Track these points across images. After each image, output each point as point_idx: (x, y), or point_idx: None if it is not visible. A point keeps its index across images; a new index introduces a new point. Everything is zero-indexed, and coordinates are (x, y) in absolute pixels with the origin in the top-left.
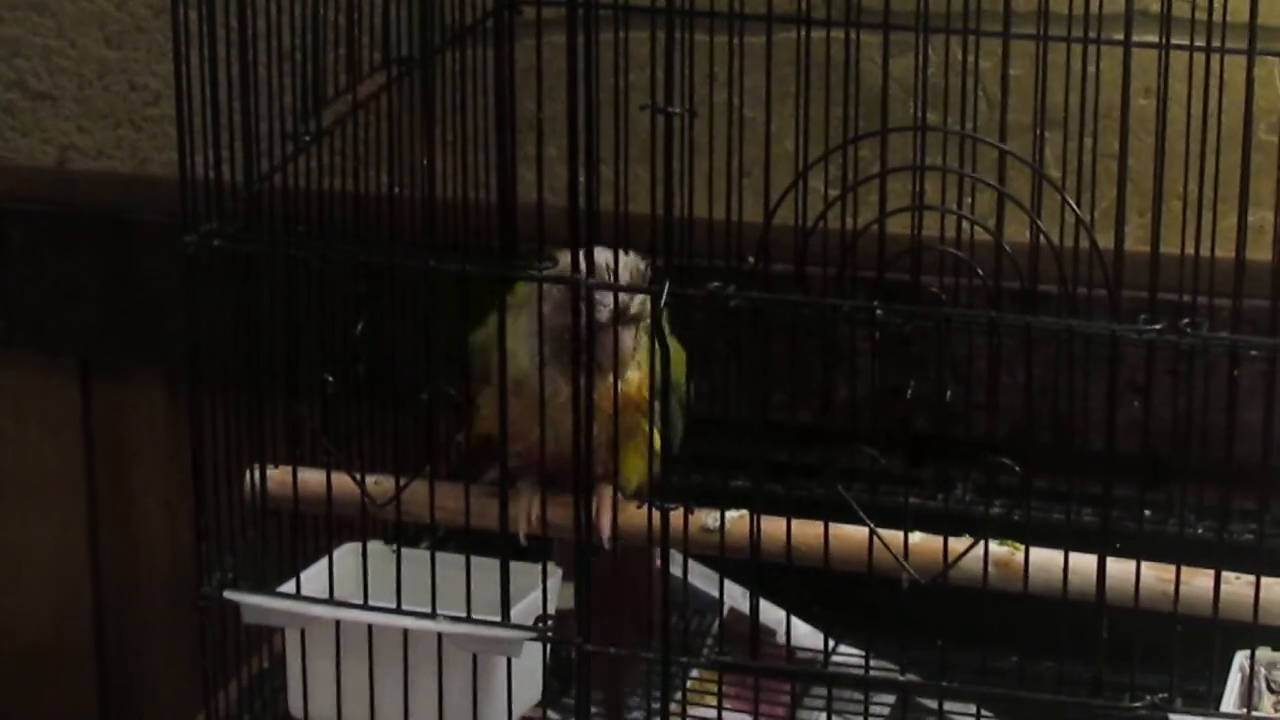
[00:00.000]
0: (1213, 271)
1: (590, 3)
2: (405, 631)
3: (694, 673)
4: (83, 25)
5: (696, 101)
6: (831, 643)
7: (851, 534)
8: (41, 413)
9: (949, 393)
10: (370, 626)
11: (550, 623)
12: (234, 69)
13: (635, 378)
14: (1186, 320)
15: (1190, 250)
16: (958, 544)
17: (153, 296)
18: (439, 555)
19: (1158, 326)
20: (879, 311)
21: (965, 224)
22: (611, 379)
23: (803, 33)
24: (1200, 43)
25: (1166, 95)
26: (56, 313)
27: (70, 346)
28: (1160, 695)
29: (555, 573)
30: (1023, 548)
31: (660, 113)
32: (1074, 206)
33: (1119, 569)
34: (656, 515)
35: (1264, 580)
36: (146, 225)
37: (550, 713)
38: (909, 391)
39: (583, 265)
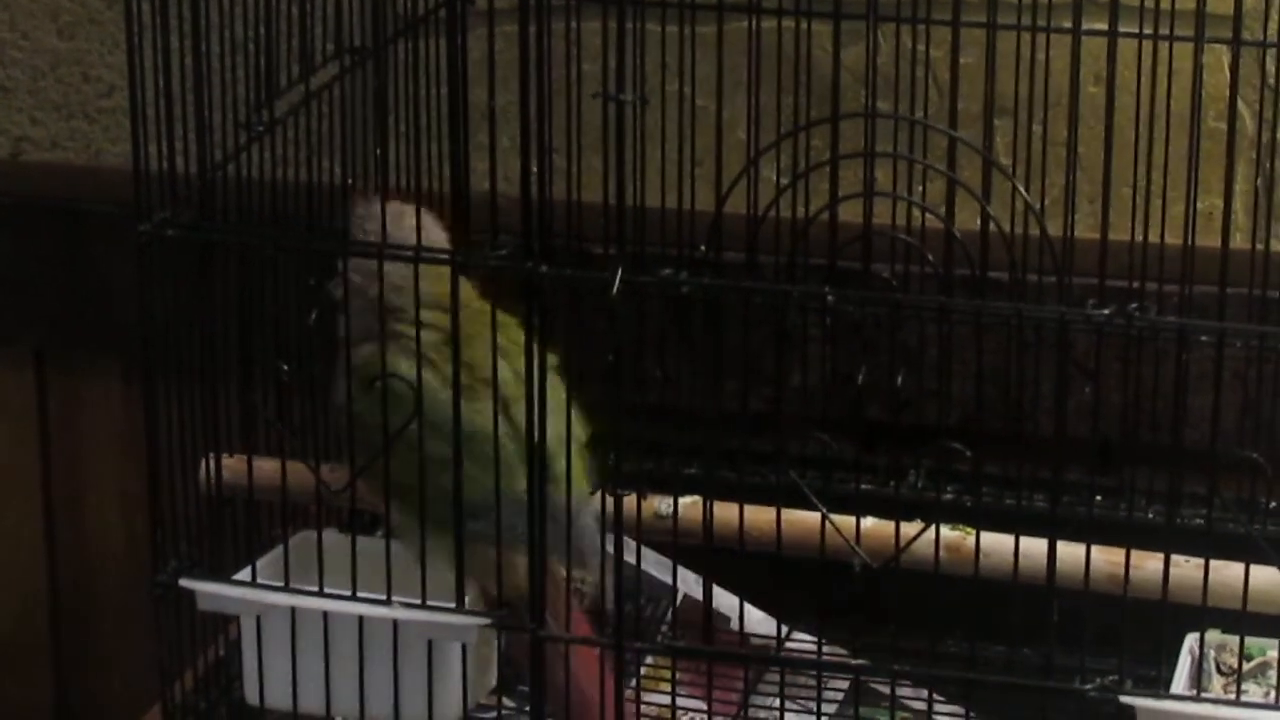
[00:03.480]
0: (1162, 258)
1: None
2: (360, 619)
3: (648, 659)
4: (35, 17)
5: (648, 91)
6: (785, 628)
7: (804, 519)
8: None
9: (900, 379)
10: (325, 614)
11: (504, 610)
12: (187, 60)
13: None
14: (1135, 305)
15: (1140, 237)
16: (910, 529)
17: (107, 287)
18: (394, 543)
19: (1106, 311)
20: (830, 298)
21: (916, 211)
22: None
23: (753, 22)
24: (1149, 30)
25: (1115, 83)
26: (11, 303)
27: (25, 336)
28: (1111, 678)
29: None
30: (974, 532)
31: (612, 100)
32: (1024, 193)
33: (1069, 553)
34: (610, 500)
35: (1213, 563)
36: (101, 216)
37: (506, 700)
38: (860, 378)
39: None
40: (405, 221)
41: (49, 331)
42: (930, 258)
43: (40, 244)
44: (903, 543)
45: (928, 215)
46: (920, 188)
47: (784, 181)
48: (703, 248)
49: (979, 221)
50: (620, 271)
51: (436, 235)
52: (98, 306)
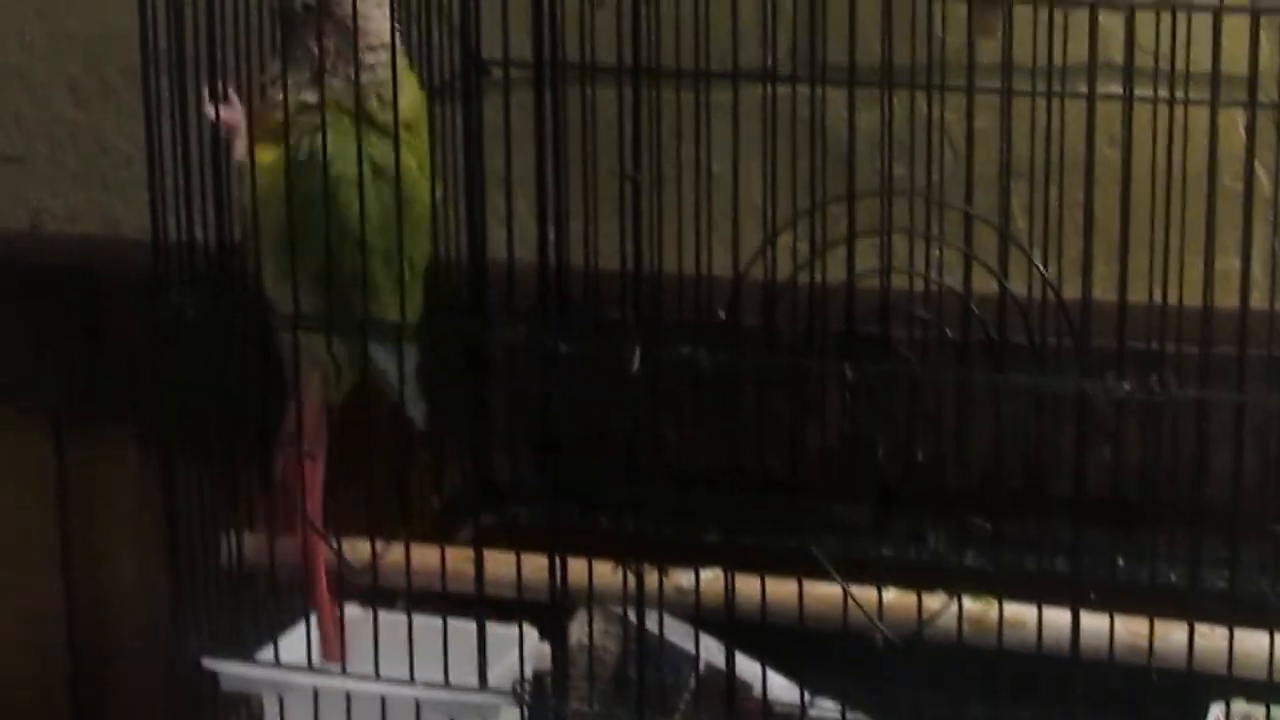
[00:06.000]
0: (1180, 319)
1: (556, 63)
2: (383, 699)
3: None
4: (53, 89)
5: (663, 158)
6: (808, 695)
7: (826, 592)
8: (14, 469)
9: (919, 454)
10: (348, 693)
11: (528, 686)
12: (205, 132)
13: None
14: (1154, 377)
15: (1158, 299)
16: (932, 600)
17: (124, 354)
18: (416, 618)
19: (1126, 386)
20: (849, 374)
21: (933, 273)
22: None
23: (768, 89)
24: (1164, 93)
25: (1131, 146)
26: (30, 369)
27: (43, 402)
28: None
29: (532, 634)
30: (996, 603)
31: (629, 179)
32: (1040, 268)
33: (1093, 623)
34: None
35: (1237, 632)
36: (119, 286)
37: None
38: (879, 451)
39: None
40: None
41: (67, 397)
42: (948, 331)
43: (59, 313)
44: (925, 615)
45: (946, 278)
46: (938, 252)
47: (801, 246)
48: (721, 313)
49: (997, 284)
50: (639, 350)
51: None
52: (115, 373)
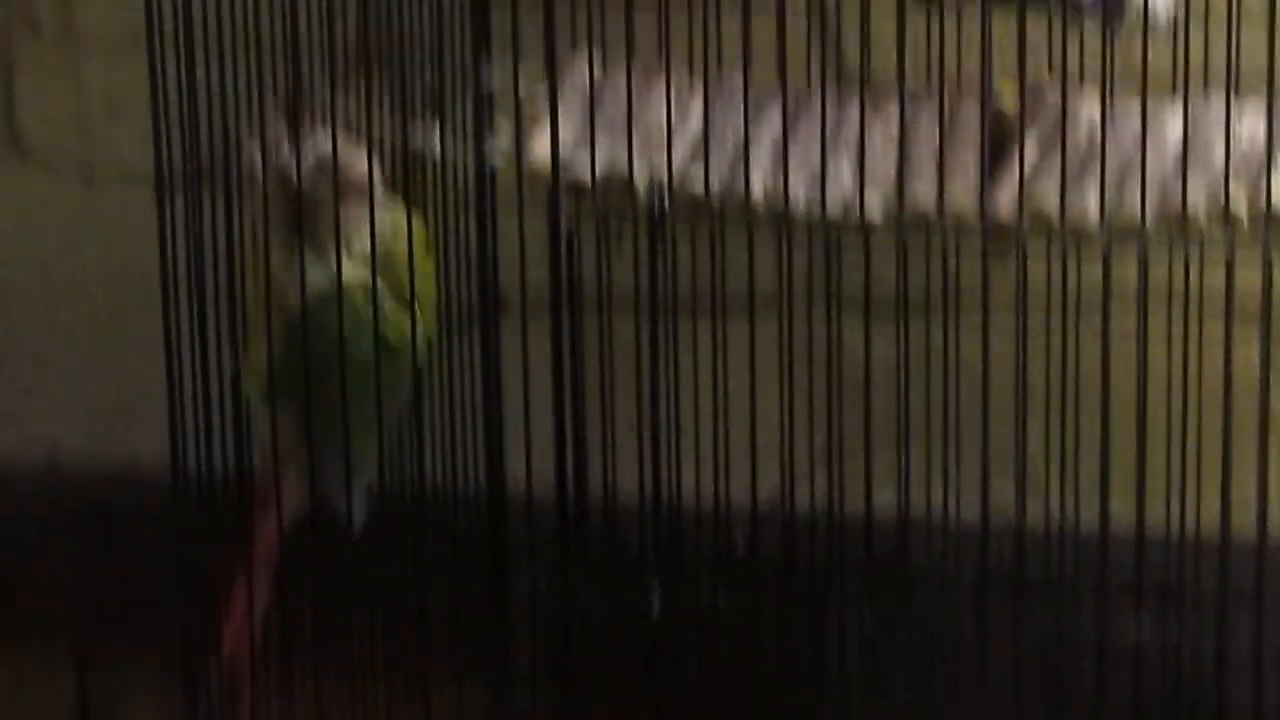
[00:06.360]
0: (1197, 547)
1: (574, 295)
2: None
3: None
4: (73, 322)
5: (681, 388)
6: None
7: None
8: (36, 703)
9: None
10: None
11: None
12: (226, 362)
13: None
14: (1173, 615)
15: (1175, 524)
16: None
17: (144, 585)
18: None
19: (1145, 630)
20: (868, 622)
21: (951, 503)
22: None
23: (785, 321)
24: (1178, 322)
25: (1147, 374)
26: (49, 601)
27: (62, 634)
28: None
29: None
30: None
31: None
32: (1060, 504)
33: None
34: None
35: None
36: (138, 519)
37: None
38: (897, 683)
39: None
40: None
41: (86, 629)
42: (965, 586)
43: (77, 546)
44: None
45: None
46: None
47: (819, 468)
48: (740, 543)
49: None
50: (659, 594)
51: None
52: (135, 604)
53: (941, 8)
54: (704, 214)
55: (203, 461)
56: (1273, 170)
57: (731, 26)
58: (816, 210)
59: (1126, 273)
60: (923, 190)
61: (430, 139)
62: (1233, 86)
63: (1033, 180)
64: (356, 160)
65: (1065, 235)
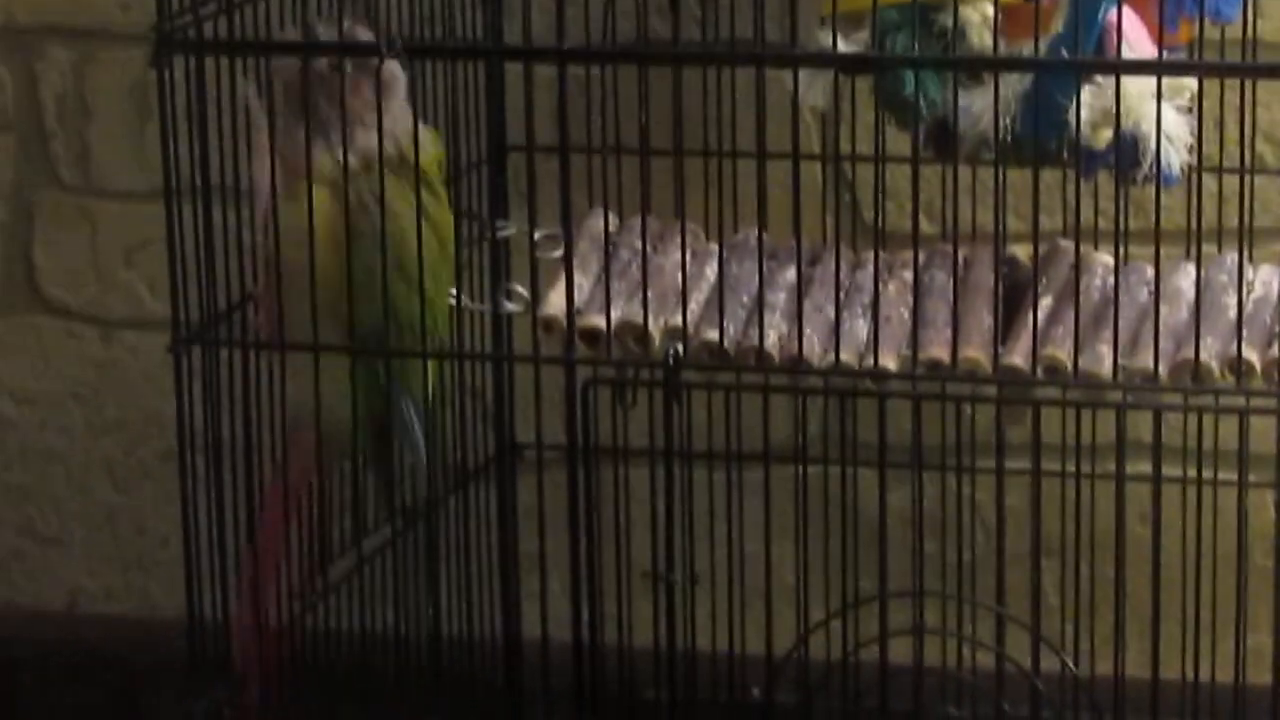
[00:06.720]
0: (1213, 696)
1: (589, 446)
2: None
3: None
4: (91, 471)
5: (696, 537)
6: None
7: None
8: None
9: None
10: None
11: None
12: (241, 513)
13: None
14: None
15: (1190, 675)
16: None
17: None
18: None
19: None
20: None
21: (966, 651)
22: None
23: (800, 469)
24: (1192, 472)
25: (1160, 524)
26: None
27: None
28: None
29: None
30: None
31: (662, 581)
32: (1072, 666)
33: None
34: None
35: None
36: (156, 668)
37: None
38: None
39: None
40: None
41: None
42: None
43: (96, 696)
44: None
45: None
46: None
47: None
48: (756, 692)
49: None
50: None
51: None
52: None
53: (956, 161)
54: (719, 364)
55: (218, 611)
56: None
57: (747, 180)
58: (831, 360)
59: (1141, 422)
60: (937, 342)
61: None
62: (1245, 236)
63: (1046, 332)
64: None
65: (1079, 386)
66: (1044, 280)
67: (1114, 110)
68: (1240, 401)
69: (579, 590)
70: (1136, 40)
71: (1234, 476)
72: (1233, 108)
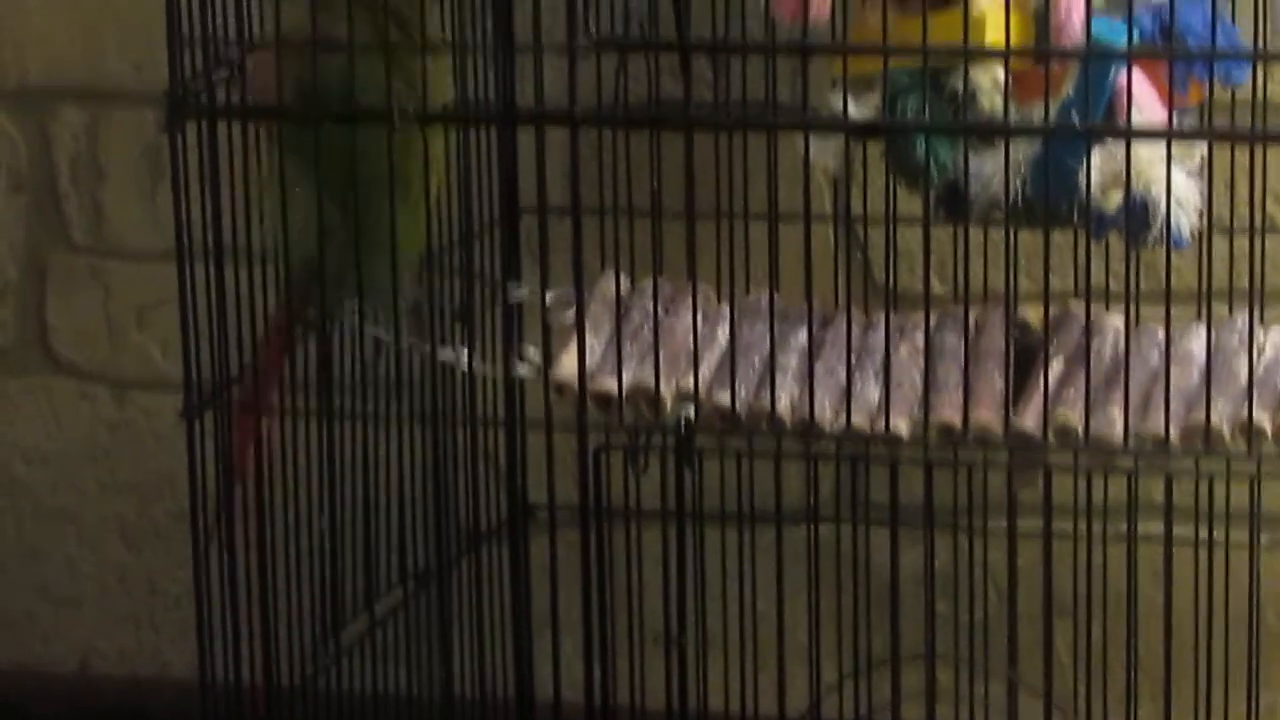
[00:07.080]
0: None
1: (601, 507)
2: None
3: None
4: (104, 531)
5: (708, 597)
6: None
7: None
8: None
9: None
10: None
11: None
12: (253, 573)
13: None
14: None
15: None
16: None
17: None
18: None
19: None
20: None
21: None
22: None
23: (812, 530)
24: (1204, 532)
25: (1173, 585)
26: None
27: None
28: None
29: None
30: None
31: (674, 644)
32: None
33: None
34: None
35: None
36: None
37: None
38: None
39: None
40: None
41: None
42: None
43: None
44: None
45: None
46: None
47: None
48: None
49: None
50: None
51: None
52: None
53: (968, 222)
54: (730, 428)
55: (230, 671)
56: None
57: (759, 242)
58: (842, 423)
59: (1153, 483)
60: (949, 405)
61: (460, 354)
62: (1257, 299)
63: (1057, 395)
64: None
65: (1090, 450)
66: (1055, 342)
67: (1124, 174)
68: (1251, 467)
69: (591, 651)
70: (1146, 103)
71: (1245, 537)
72: (1243, 169)
